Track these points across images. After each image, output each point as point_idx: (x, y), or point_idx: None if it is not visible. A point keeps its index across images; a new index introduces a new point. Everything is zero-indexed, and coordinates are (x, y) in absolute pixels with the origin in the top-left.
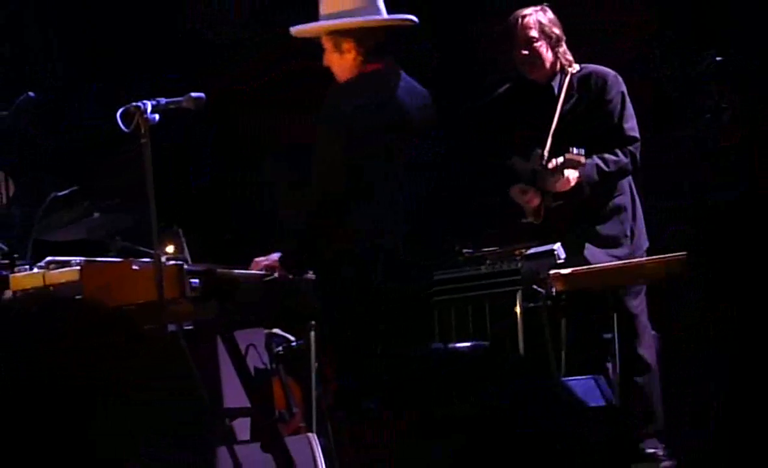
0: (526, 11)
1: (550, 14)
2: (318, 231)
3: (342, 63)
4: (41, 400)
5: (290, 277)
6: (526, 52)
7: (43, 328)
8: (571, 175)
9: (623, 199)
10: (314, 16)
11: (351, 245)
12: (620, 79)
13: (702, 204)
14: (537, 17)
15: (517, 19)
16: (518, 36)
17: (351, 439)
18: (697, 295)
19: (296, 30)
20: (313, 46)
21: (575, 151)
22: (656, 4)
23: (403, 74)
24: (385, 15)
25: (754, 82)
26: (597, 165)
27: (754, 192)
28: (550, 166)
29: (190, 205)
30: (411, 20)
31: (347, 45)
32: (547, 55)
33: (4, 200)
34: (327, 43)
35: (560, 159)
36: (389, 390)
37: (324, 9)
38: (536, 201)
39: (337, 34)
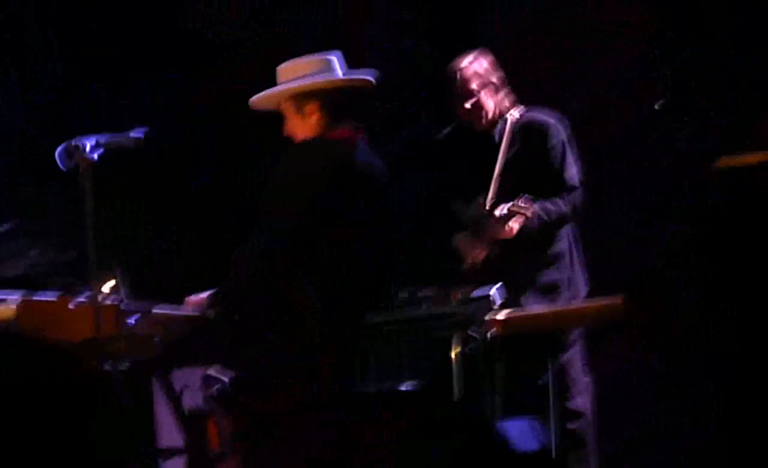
0: (463, 64)
1: (484, 61)
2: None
3: (305, 126)
4: None
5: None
6: (468, 106)
7: None
8: (515, 225)
9: (562, 246)
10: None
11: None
12: (561, 127)
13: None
14: (474, 68)
15: (456, 73)
16: (459, 89)
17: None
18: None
19: (255, 99)
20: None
21: (522, 202)
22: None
23: (362, 144)
24: (342, 76)
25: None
26: (538, 214)
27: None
28: (496, 213)
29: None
30: (369, 81)
31: (310, 107)
32: (489, 105)
33: None
34: (288, 109)
35: (505, 209)
36: None
37: (282, 77)
38: (478, 253)
39: (300, 97)
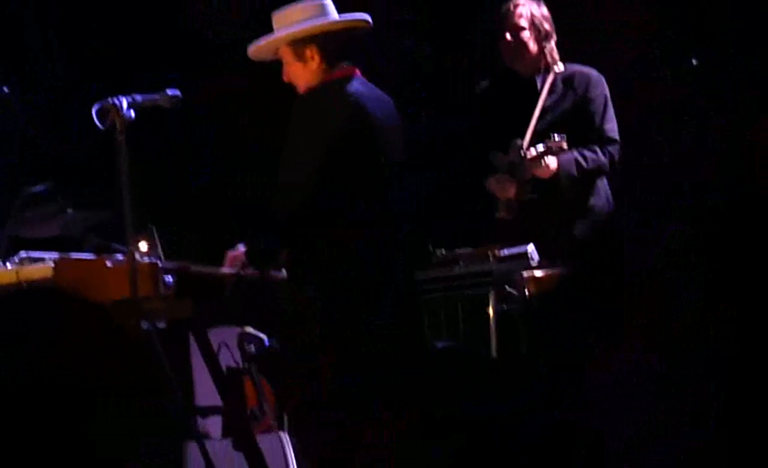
0: (521, 0)
1: (544, 9)
2: (290, 238)
3: (305, 71)
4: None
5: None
6: (512, 39)
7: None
8: (551, 162)
9: (597, 201)
10: None
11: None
12: (604, 80)
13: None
14: (530, 9)
15: (509, 7)
16: (508, 23)
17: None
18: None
19: (253, 48)
20: None
21: (557, 137)
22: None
23: (364, 80)
24: (337, 17)
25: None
26: (576, 159)
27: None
28: (529, 155)
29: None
30: (366, 20)
31: (310, 51)
32: (533, 48)
33: None
34: (287, 56)
35: (540, 147)
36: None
37: (277, 24)
38: (512, 190)
39: (299, 42)
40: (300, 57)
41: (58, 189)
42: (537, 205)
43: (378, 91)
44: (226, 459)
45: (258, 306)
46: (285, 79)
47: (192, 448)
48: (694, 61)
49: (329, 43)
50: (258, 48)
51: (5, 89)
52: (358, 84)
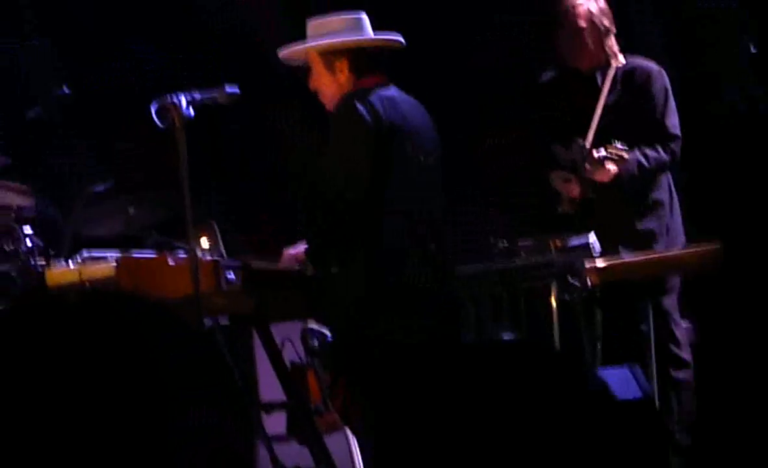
0: (579, 0)
1: (602, 3)
2: (341, 233)
3: (333, 82)
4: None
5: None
6: (572, 39)
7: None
8: (613, 167)
9: (661, 195)
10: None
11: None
12: (664, 73)
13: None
14: (588, 6)
15: (568, 7)
16: (567, 23)
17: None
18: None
19: (286, 51)
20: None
21: (619, 145)
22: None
23: (395, 87)
24: (372, 35)
25: None
26: (638, 160)
27: None
28: (594, 154)
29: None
30: (399, 41)
31: (340, 64)
32: (593, 46)
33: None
34: (317, 65)
35: (602, 151)
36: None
37: (312, 31)
38: (577, 190)
39: (331, 54)
40: (329, 67)
41: (120, 187)
42: (598, 200)
43: (409, 97)
44: (292, 455)
45: (318, 302)
46: (311, 86)
47: (261, 447)
48: (752, 48)
49: (360, 58)
50: (290, 52)
51: (66, 90)
52: (388, 90)
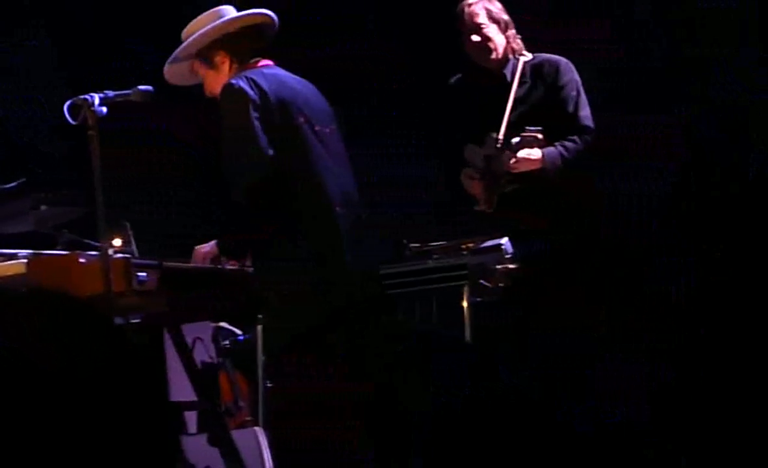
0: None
1: (495, 2)
2: (252, 219)
3: (219, 76)
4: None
5: (233, 265)
6: (476, 38)
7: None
8: (532, 154)
9: (582, 193)
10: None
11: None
12: (573, 67)
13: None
14: (483, 4)
15: (464, 8)
16: (466, 24)
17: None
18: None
19: (168, 72)
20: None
21: (531, 128)
22: None
23: (281, 69)
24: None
25: None
26: (560, 153)
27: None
28: (512, 144)
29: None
30: (267, 15)
31: (219, 58)
32: (498, 40)
33: None
34: (201, 69)
35: (516, 139)
36: None
37: (182, 46)
38: (479, 187)
39: (205, 50)
40: (211, 65)
41: (31, 186)
42: (518, 197)
43: (297, 77)
44: (202, 454)
45: (232, 300)
46: (207, 94)
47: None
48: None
49: (236, 44)
50: (171, 69)
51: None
52: (273, 69)
